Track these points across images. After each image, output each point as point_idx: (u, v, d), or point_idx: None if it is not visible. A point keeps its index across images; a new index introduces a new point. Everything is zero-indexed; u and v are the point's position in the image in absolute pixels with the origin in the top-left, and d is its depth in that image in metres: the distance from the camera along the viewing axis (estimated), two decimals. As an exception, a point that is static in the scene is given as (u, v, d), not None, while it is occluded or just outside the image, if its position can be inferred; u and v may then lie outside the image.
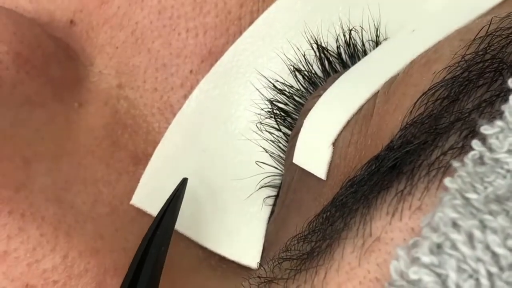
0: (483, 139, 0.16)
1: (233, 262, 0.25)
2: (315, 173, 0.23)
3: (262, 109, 0.25)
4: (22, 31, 0.23)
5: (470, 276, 0.14)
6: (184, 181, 0.24)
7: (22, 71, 0.23)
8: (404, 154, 0.18)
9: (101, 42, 0.25)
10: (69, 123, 0.24)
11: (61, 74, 0.24)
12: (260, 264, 0.24)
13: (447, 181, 0.15)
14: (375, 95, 0.22)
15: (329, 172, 0.23)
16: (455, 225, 0.15)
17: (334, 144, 0.23)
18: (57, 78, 0.24)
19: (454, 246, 0.14)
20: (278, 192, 0.26)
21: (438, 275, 0.14)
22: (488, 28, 0.19)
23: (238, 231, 0.25)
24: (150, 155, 0.25)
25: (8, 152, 0.22)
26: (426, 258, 0.15)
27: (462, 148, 0.17)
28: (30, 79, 0.23)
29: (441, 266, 0.14)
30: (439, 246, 0.15)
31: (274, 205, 0.26)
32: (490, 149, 0.16)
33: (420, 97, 0.19)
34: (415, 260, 0.15)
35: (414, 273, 0.15)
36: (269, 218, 0.26)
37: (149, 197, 0.24)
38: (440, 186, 0.17)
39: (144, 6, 0.25)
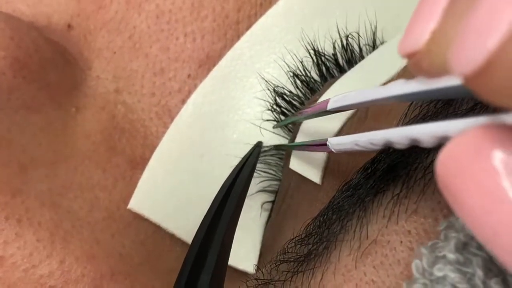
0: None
1: (229, 266, 0.25)
2: (310, 178, 0.23)
3: (261, 115, 0.25)
4: (19, 36, 0.23)
5: (496, 275, 0.14)
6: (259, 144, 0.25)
7: (19, 76, 0.23)
8: (400, 157, 0.17)
9: (98, 47, 0.25)
10: (66, 128, 0.24)
11: (58, 78, 0.24)
12: (258, 267, 0.24)
13: None
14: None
15: (324, 177, 0.23)
16: None
17: None
18: (54, 83, 0.24)
19: (480, 245, 0.14)
20: (275, 198, 0.26)
21: (464, 272, 0.14)
22: None
23: (235, 236, 0.25)
24: (148, 159, 0.25)
25: (5, 158, 0.22)
26: (452, 256, 0.15)
27: None
28: (27, 84, 0.23)
29: (467, 264, 0.14)
30: (465, 245, 0.15)
31: (271, 210, 0.26)
32: None
33: None
34: (439, 258, 0.15)
35: (439, 270, 0.15)
36: (266, 223, 0.26)
37: (146, 201, 0.24)
38: (436, 189, 0.16)
39: (141, 11, 0.25)
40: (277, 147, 0.25)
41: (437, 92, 0.13)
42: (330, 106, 0.19)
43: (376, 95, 0.16)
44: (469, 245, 0.15)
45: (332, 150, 0.19)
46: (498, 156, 0.11)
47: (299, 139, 0.24)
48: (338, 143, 0.18)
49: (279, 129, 0.25)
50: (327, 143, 0.19)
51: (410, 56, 0.13)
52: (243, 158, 0.24)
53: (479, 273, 0.14)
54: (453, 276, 0.14)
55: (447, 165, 0.12)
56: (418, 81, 0.14)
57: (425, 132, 0.13)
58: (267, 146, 0.25)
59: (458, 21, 0.12)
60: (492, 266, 0.14)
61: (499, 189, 0.11)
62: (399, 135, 0.14)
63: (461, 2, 0.12)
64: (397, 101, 0.15)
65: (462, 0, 0.12)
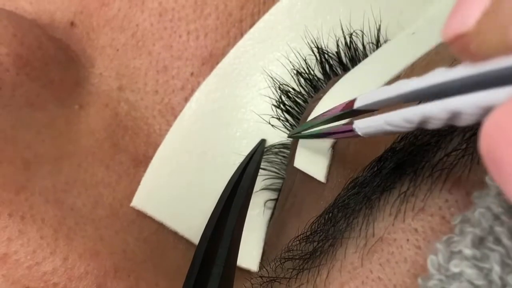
0: None
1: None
2: (315, 176, 0.23)
3: (265, 113, 0.25)
4: (22, 33, 0.23)
5: None
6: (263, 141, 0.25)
7: (22, 73, 0.23)
8: (407, 155, 0.18)
9: (101, 44, 0.25)
10: (69, 125, 0.24)
11: (61, 76, 0.24)
12: (262, 265, 0.24)
13: (487, 179, 0.15)
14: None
15: (329, 175, 0.23)
16: (498, 219, 0.14)
17: (333, 147, 0.23)
18: (58, 80, 0.24)
19: (497, 240, 0.14)
20: (279, 196, 0.26)
21: (481, 268, 0.14)
22: None
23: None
24: (151, 157, 0.25)
25: (9, 155, 0.22)
26: (469, 251, 0.15)
27: (465, 149, 0.17)
28: (30, 81, 0.23)
29: (484, 259, 0.14)
30: (481, 240, 0.15)
31: (274, 208, 0.26)
32: None
33: None
34: (455, 254, 0.15)
35: (455, 266, 0.15)
36: (269, 221, 0.26)
37: (149, 199, 0.24)
38: (444, 187, 0.17)
39: (144, 9, 0.25)
40: (290, 136, 0.25)
41: (488, 75, 0.12)
42: (357, 105, 0.18)
43: (413, 86, 0.14)
44: (485, 240, 0.14)
45: (360, 134, 0.18)
46: None
47: (302, 144, 0.24)
48: (367, 126, 0.17)
49: (283, 127, 0.25)
50: (353, 126, 0.18)
51: (456, 39, 0.12)
52: (247, 155, 0.24)
53: (497, 268, 0.14)
54: (469, 272, 0.14)
55: (492, 133, 0.11)
56: (464, 66, 0.13)
57: (469, 102, 0.12)
58: (272, 145, 0.25)
59: None
60: (509, 261, 0.14)
61: None
62: (439, 108, 0.13)
63: None
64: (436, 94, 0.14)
65: None
